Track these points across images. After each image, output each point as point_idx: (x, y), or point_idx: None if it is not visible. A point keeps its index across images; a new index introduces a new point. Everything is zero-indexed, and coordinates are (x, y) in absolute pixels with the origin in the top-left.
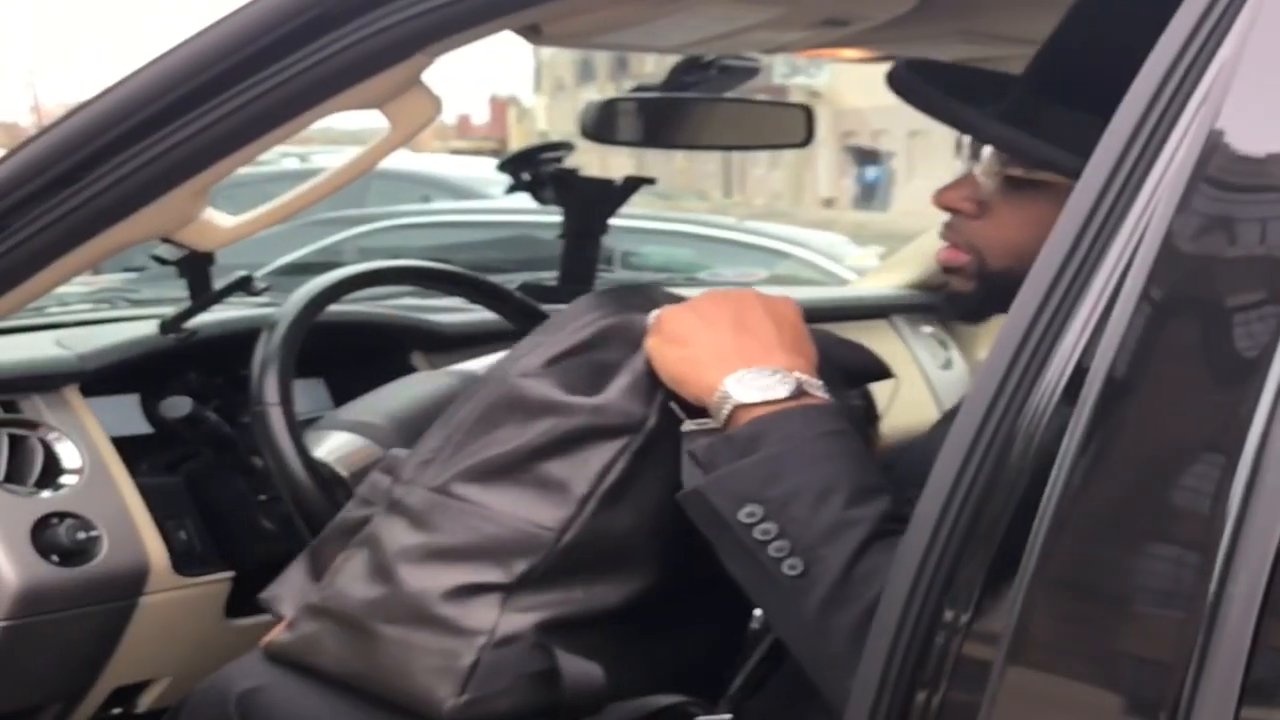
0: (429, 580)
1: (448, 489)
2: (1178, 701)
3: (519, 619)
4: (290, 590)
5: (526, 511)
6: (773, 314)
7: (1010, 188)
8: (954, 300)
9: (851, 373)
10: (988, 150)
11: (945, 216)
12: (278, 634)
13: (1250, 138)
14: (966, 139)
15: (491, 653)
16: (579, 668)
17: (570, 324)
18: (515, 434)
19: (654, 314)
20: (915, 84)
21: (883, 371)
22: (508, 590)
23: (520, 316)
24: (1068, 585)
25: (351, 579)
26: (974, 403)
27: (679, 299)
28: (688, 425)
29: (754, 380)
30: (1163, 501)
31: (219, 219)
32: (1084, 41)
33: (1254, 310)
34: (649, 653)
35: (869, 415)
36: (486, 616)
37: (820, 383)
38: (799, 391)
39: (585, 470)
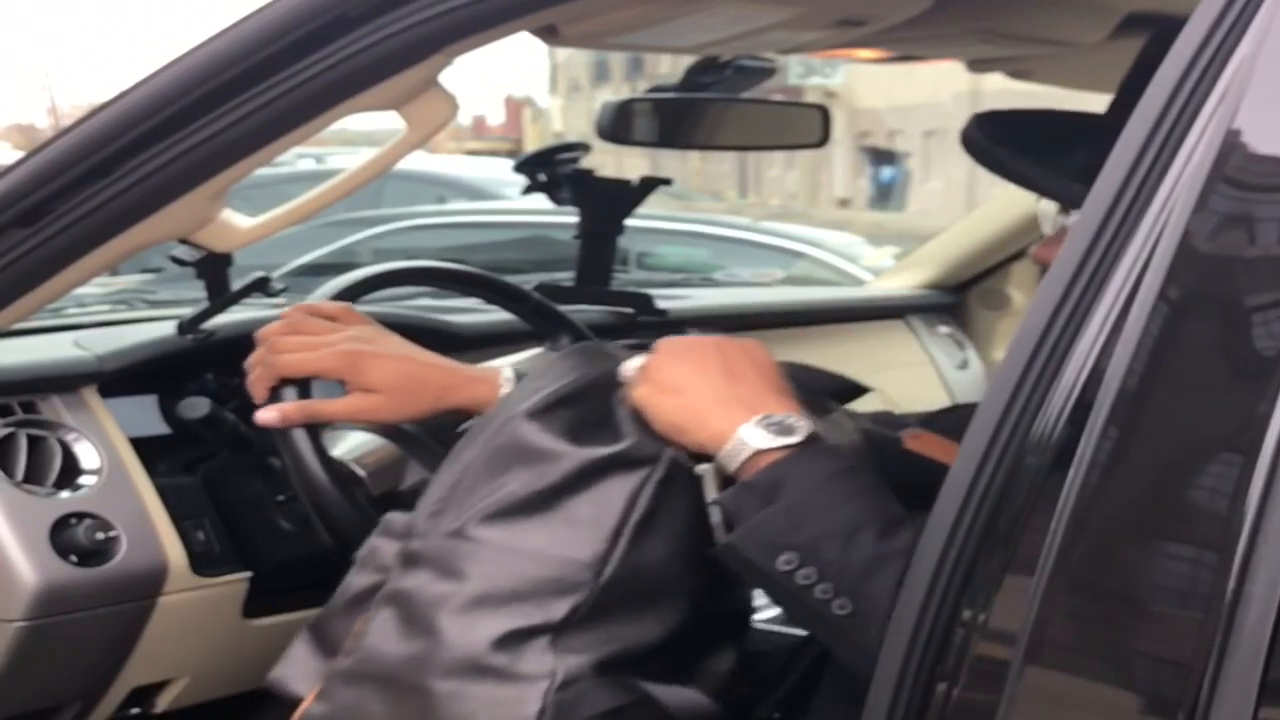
0: (473, 629)
1: (467, 533)
2: (1196, 701)
3: (575, 660)
4: (298, 668)
5: (559, 549)
6: (753, 359)
7: None
8: None
9: (827, 395)
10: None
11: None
12: (308, 708)
13: (1268, 137)
14: None
15: (556, 696)
16: (681, 696)
17: (560, 375)
18: (531, 474)
19: (633, 362)
20: (983, 143)
21: (855, 389)
22: (556, 631)
23: (536, 317)
24: (1085, 585)
25: (384, 638)
26: (991, 402)
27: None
28: (703, 469)
29: (766, 426)
30: (1181, 501)
31: (237, 220)
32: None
33: (1272, 310)
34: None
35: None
36: (542, 661)
37: (812, 424)
38: (810, 434)
39: (611, 504)
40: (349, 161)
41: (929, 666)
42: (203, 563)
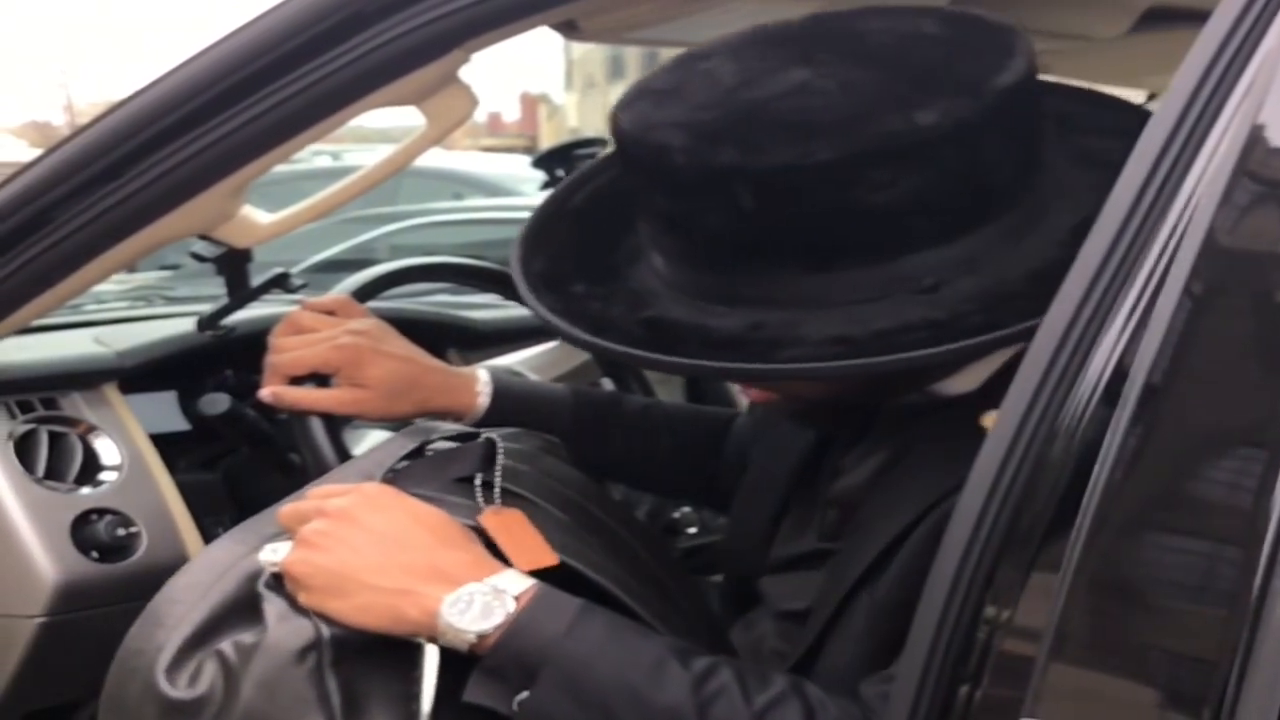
0: None
1: None
2: (1222, 698)
3: None
4: None
5: None
6: (390, 518)
7: None
8: (806, 415)
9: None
10: None
11: None
12: None
13: None
14: None
15: None
16: None
17: (190, 605)
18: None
19: (270, 555)
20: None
21: (490, 448)
22: None
23: None
24: (1110, 582)
25: None
26: (1014, 400)
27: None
28: (427, 646)
29: (467, 606)
30: (1206, 498)
31: (256, 216)
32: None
33: None
34: None
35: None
36: None
37: (511, 570)
38: (521, 590)
39: (305, 704)
40: (365, 158)
41: (951, 665)
42: None
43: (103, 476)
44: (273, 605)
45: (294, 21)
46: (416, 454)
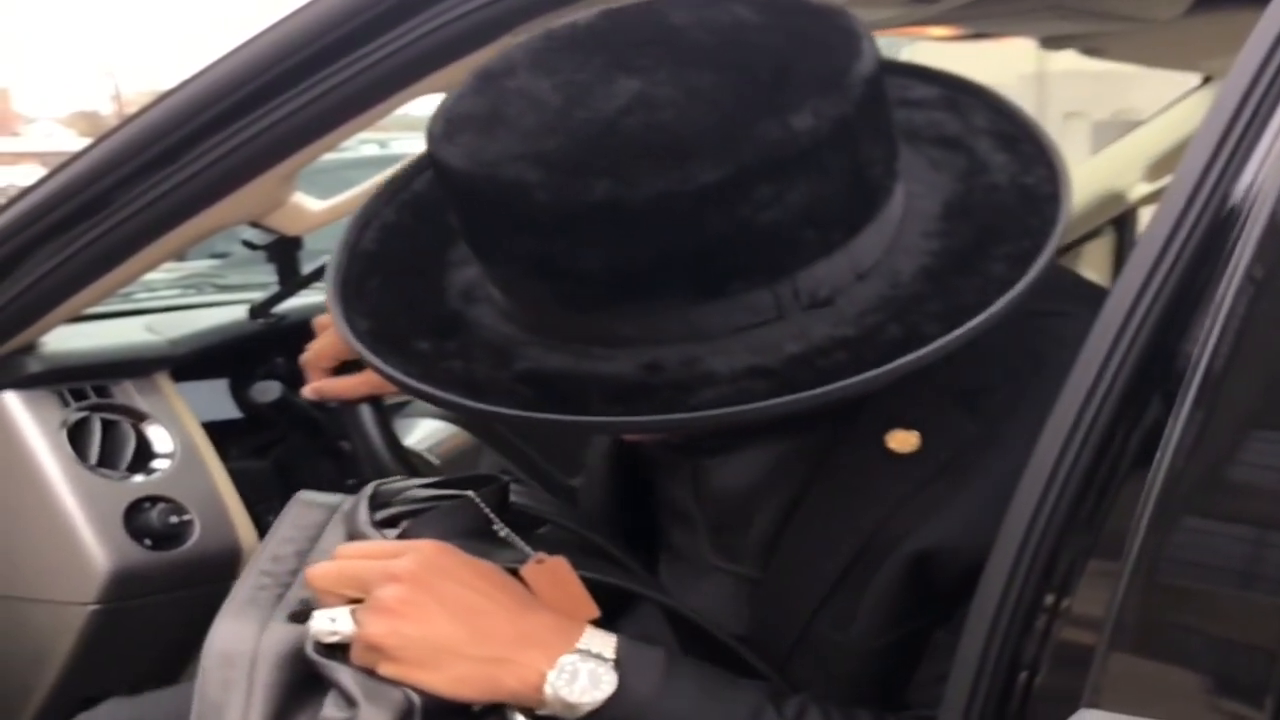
0: None
1: None
2: None
3: None
4: None
5: None
6: (452, 574)
7: None
8: (688, 451)
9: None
10: None
11: None
12: None
13: None
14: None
15: None
16: None
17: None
18: None
19: (328, 624)
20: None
21: (502, 489)
22: None
23: None
24: (1171, 570)
25: None
26: (1075, 387)
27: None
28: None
29: (573, 677)
30: (1268, 486)
31: (308, 203)
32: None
33: None
34: None
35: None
36: None
37: (590, 628)
38: (609, 654)
39: None
40: (412, 146)
41: (1009, 653)
42: None
43: (155, 464)
44: (348, 676)
45: (344, 8)
46: (380, 504)
